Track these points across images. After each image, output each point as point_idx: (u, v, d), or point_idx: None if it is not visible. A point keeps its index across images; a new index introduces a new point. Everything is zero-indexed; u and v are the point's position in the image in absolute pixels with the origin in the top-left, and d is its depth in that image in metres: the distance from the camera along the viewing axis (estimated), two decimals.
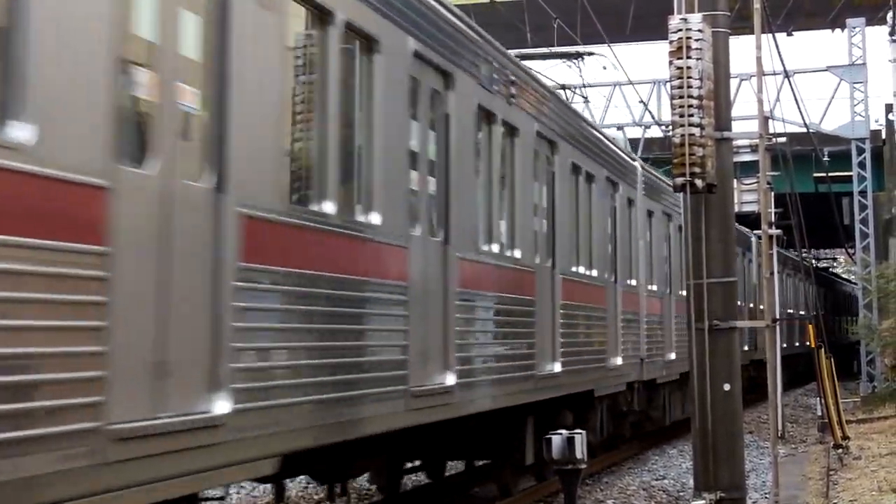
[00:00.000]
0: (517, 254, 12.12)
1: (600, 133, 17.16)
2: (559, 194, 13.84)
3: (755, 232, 30.43)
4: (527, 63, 14.46)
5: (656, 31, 19.94)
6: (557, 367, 13.48)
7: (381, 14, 8.75)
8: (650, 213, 19.71)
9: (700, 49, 10.19)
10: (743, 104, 35.92)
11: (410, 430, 10.08)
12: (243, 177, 6.73)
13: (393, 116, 9.03)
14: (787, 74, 19.27)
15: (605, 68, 36.89)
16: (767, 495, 14.32)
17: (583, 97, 20.98)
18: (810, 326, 22.98)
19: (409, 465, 14.42)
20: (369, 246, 8.46)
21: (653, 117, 36.41)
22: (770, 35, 14.87)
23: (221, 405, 6.38)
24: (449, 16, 10.34)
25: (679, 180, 10.25)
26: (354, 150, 8.55)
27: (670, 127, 10.65)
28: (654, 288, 19.67)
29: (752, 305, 31.26)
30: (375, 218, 8.60)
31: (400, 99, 9.20)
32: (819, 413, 22.56)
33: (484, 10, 29.20)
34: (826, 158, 32.41)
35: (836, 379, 21.11)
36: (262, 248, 6.90)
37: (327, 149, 7.93)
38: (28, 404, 4.96)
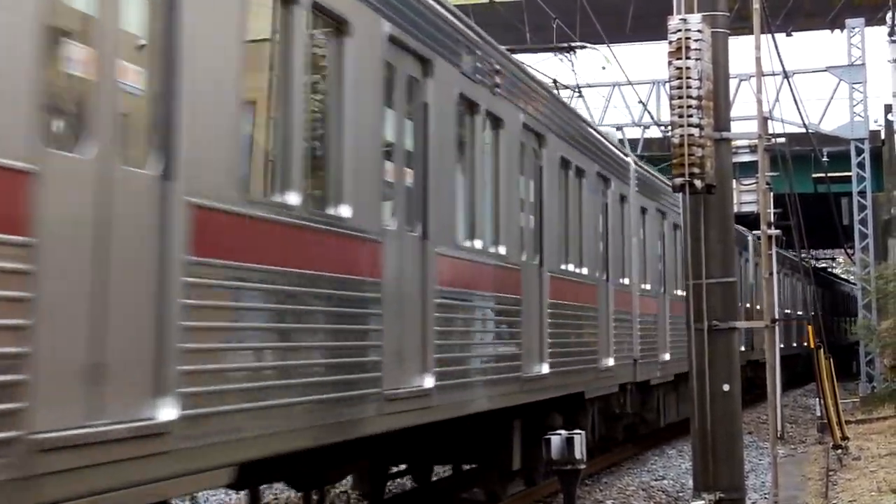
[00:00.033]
0: (502, 250, 11.61)
1: (591, 127, 16.65)
2: (547, 189, 13.32)
3: (754, 232, 30.23)
4: (518, 57, 14.04)
5: (656, 31, 19.89)
6: (545, 369, 12.97)
7: None
8: (644, 211, 19.19)
9: (699, 49, 10.20)
10: (742, 104, 36.04)
11: (393, 434, 9.65)
12: (195, 164, 6.22)
13: (366, 104, 8.52)
14: (786, 75, 19.17)
15: (604, 68, 36.90)
16: (767, 496, 14.24)
17: (574, 91, 20.41)
18: (809, 327, 22.93)
19: (395, 469, 14.06)
20: (338, 240, 7.94)
21: (652, 118, 36.24)
22: (769, 35, 14.88)
23: (167, 411, 5.87)
24: None
25: (678, 181, 10.26)
26: (322, 139, 8.05)
27: (669, 127, 10.70)
28: (648, 287, 19.14)
29: (748, 305, 30.85)
30: (345, 210, 8.09)
31: (373, 86, 8.68)
32: (818, 413, 22.54)
33: (483, 10, 29.38)
34: (825, 159, 32.38)
35: (835, 379, 21.06)
36: (215, 241, 6.38)
37: (292, 137, 7.41)
38: None
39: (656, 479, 17.32)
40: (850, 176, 35.84)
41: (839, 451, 18.49)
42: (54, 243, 5.14)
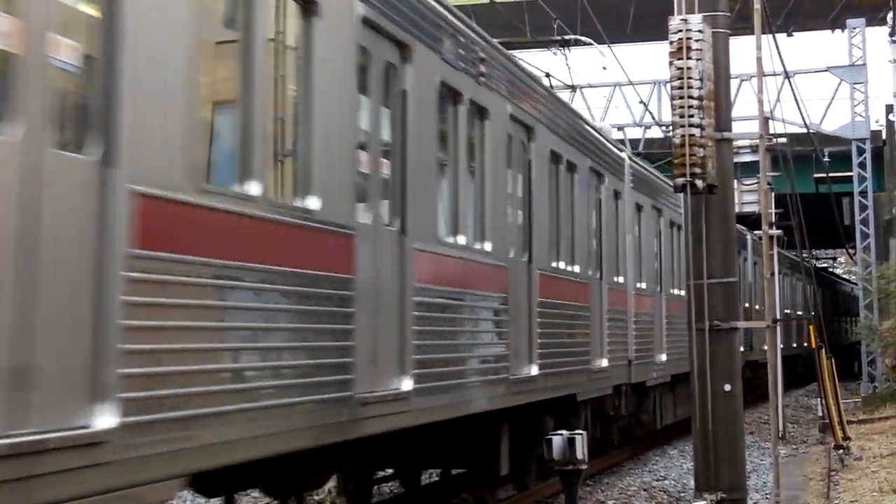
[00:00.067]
0: (487, 247, 11.08)
1: (584, 121, 16.12)
2: (536, 183, 12.80)
3: (756, 232, 30.10)
4: (518, 56, 13.64)
5: (657, 31, 19.91)
6: (534, 370, 12.46)
7: None
8: (639, 207, 18.66)
9: (700, 50, 10.27)
10: (743, 104, 36.09)
11: (378, 438, 9.16)
12: (139, 149, 5.71)
13: (337, 90, 8.00)
14: (787, 75, 19.28)
15: (605, 68, 36.94)
16: (768, 496, 14.33)
17: (569, 88, 19.90)
18: (811, 327, 22.98)
19: (382, 473, 13.60)
20: (305, 233, 7.42)
21: (653, 118, 36.19)
22: (770, 35, 14.99)
23: (105, 419, 5.36)
24: None
25: (680, 181, 10.33)
26: (288, 126, 7.53)
27: (670, 127, 10.73)
28: (644, 286, 18.61)
29: (746, 305, 30.38)
30: (313, 202, 7.57)
31: (345, 70, 8.16)
32: (820, 414, 22.60)
33: (484, 10, 29.38)
34: (826, 159, 32.48)
35: (836, 379, 21.13)
36: (162, 232, 5.87)
37: (253, 122, 6.89)
38: None
39: (658, 480, 17.22)
40: (851, 176, 36.11)
41: (841, 451, 18.47)
42: None
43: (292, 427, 7.17)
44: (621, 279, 17.13)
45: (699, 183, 10.25)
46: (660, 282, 20.09)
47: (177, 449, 5.89)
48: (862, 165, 35.83)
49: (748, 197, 31.27)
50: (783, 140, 24.85)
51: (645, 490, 16.05)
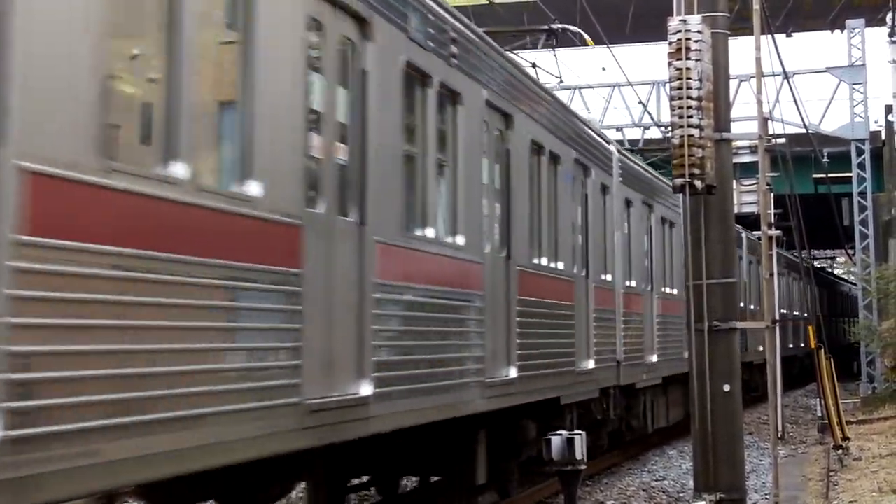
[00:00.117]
0: (459, 240, 10.33)
1: (569, 111, 15.37)
2: (516, 174, 12.05)
3: (754, 233, 29.76)
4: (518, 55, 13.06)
5: (656, 31, 19.75)
6: (513, 373, 11.71)
7: None
8: (629, 203, 17.90)
9: (699, 50, 10.32)
10: (742, 105, 35.84)
11: (347, 445, 8.56)
12: (34, 123, 4.97)
13: (282, 65, 7.24)
14: (786, 75, 19.18)
15: (604, 69, 36.69)
16: (768, 496, 14.42)
17: (557, 78, 19.17)
18: (810, 327, 22.92)
19: (357, 481, 12.92)
20: (242, 222, 6.67)
21: (652, 118, 35.97)
22: (769, 36, 14.99)
23: None
24: None
25: (679, 181, 10.37)
26: (223, 102, 6.79)
27: (669, 128, 10.81)
28: (633, 284, 17.86)
29: (742, 305, 29.68)
30: (254, 188, 6.82)
31: (293, 44, 7.41)
32: (819, 414, 22.66)
33: (483, 11, 29.06)
34: (826, 159, 32.66)
35: (835, 380, 21.08)
36: (60, 217, 5.12)
37: (180, 96, 6.15)
38: None
39: (657, 480, 17.20)
40: (850, 176, 36.10)
41: (840, 451, 18.45)
42: None
43: (228, 437, 6.43)
44: (609, 277, 16.38)
45: (698, 183, 10.30)
46: (651, 280, 19.34)
47: (77, 466, 5.14)
48: (861, 166, 35.78)
49: (747, 197, 31.02)
50: (782, 140, 24.87)
51: (644, 490, 16.00)
